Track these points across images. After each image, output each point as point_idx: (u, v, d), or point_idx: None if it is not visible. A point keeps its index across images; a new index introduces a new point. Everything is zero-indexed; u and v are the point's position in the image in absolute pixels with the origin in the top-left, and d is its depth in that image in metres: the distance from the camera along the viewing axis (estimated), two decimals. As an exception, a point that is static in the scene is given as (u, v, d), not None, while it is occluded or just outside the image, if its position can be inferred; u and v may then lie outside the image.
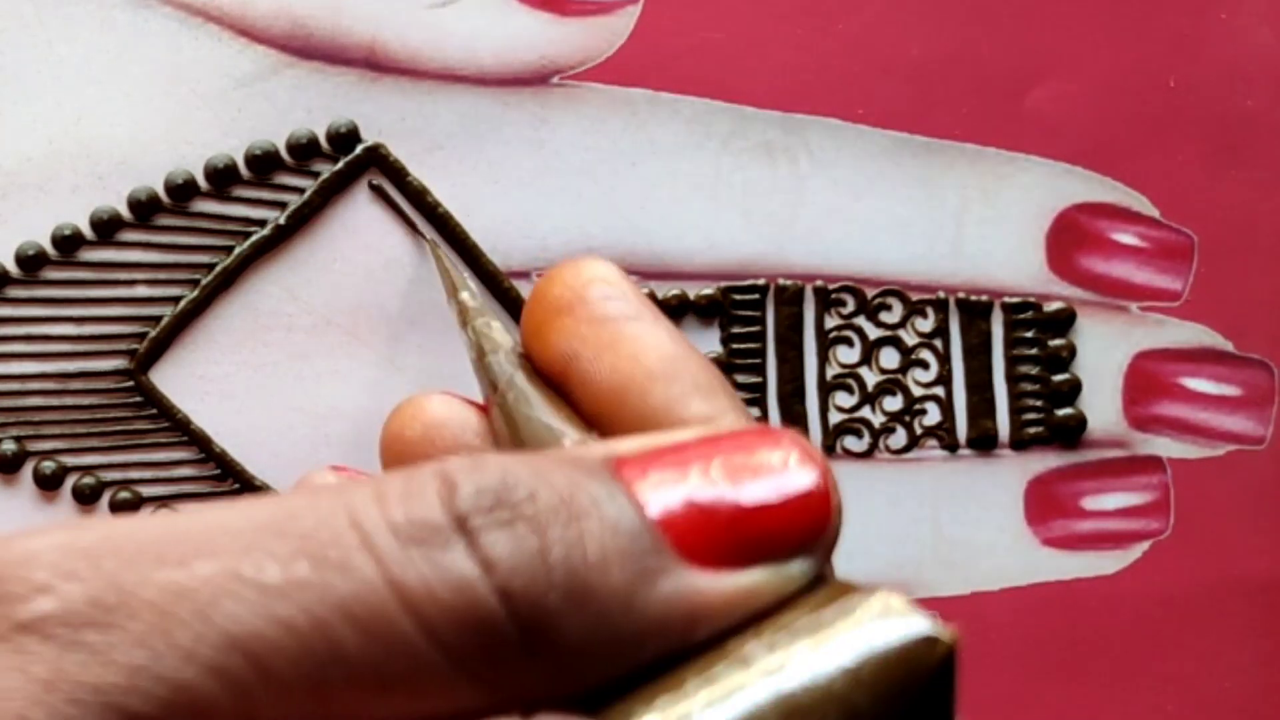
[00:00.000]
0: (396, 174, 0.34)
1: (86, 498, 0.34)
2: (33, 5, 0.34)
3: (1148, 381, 0.37)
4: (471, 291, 0.29)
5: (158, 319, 0.34)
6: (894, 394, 0.37)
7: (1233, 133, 0.37)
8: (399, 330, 0.35)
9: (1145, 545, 0.37)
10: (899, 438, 0.37)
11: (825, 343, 0.36)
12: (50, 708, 0.15)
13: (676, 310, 0.36)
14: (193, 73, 0.34)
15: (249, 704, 0.16)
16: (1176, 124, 0.37)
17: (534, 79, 0.35)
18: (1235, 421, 0.38)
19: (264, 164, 0.34)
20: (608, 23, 0.35)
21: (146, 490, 0.34)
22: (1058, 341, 0.37)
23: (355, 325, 0.34)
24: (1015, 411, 0.37)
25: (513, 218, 0.35)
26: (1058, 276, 0.37)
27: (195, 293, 0.34)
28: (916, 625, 0.17)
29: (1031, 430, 0.37)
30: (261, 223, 0.34)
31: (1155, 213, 0.37)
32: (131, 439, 0.34)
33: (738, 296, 0.36)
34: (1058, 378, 0.37)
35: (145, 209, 0.34)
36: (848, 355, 0.36)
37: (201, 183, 0.34)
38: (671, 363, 0.22)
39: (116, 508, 0.34)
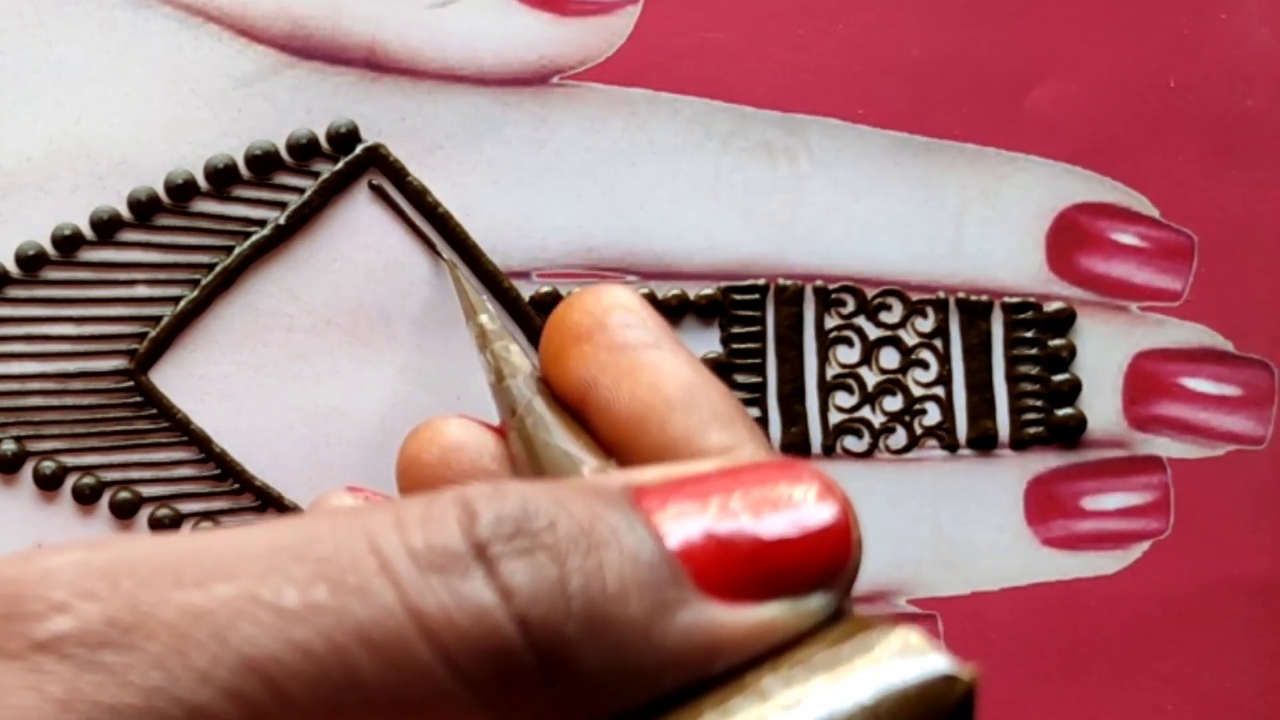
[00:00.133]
0: (396, 174, 0.34)
1: (86, 498, 0.34)
2: (33, 5, 0.34)
3: (1148, 381, 0.37)
4: (490, 314, 0.29)
5: (158, 319, 0.34)
6: (894, 394, 0.37)
7: (1233, 133, 0.37)
8: (399, 330, 0.35)
9: (1145, 545, 0.37)
10: (899, 438, 0.37)
11: (825, 343, 0.36)
12: None
13: (676, 310, 0.36)
14: (193, 73, 0.34)
15: None
16: (1176, 124, 0.37)
17: (534, 79, 0.35)
18: (1235, 421, 0.38)
19: (264, 164, 0.34)
20: (608, 23, 0.35)
21: (146, 490, 0.34)
22: (1058, 341, 0.37)
23: (355, 325, 0.34)
24: (1015, 411, 0.37)
25: (513, 218, 0.35)
26: (1058, 276, 0.37)
27: (195, 293, 0.34)
28: (936, 664, 0.17)
29: (1031, 430, 0.37)
30: (261, 223, 0.34)
31: (1155, 213, 0.37)
32: (131, 439, 0.34)
33: (738, 296, 0.36)
34: (1058, 378, 0.37)
35: (145, 209, 0.34)
36: (848, 355, 0.36)
37: (201, 183, 0.34)
38: (690, 392, 0.22)
39: (116, 508, 0.34)
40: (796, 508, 0.18)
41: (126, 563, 0.16)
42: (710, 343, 0.36)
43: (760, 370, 0.36)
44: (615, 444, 0.23)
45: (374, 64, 0.35)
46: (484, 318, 0.28)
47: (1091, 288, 0.37)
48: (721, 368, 0.36)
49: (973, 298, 0.37)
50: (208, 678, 0.15)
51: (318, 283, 0.34)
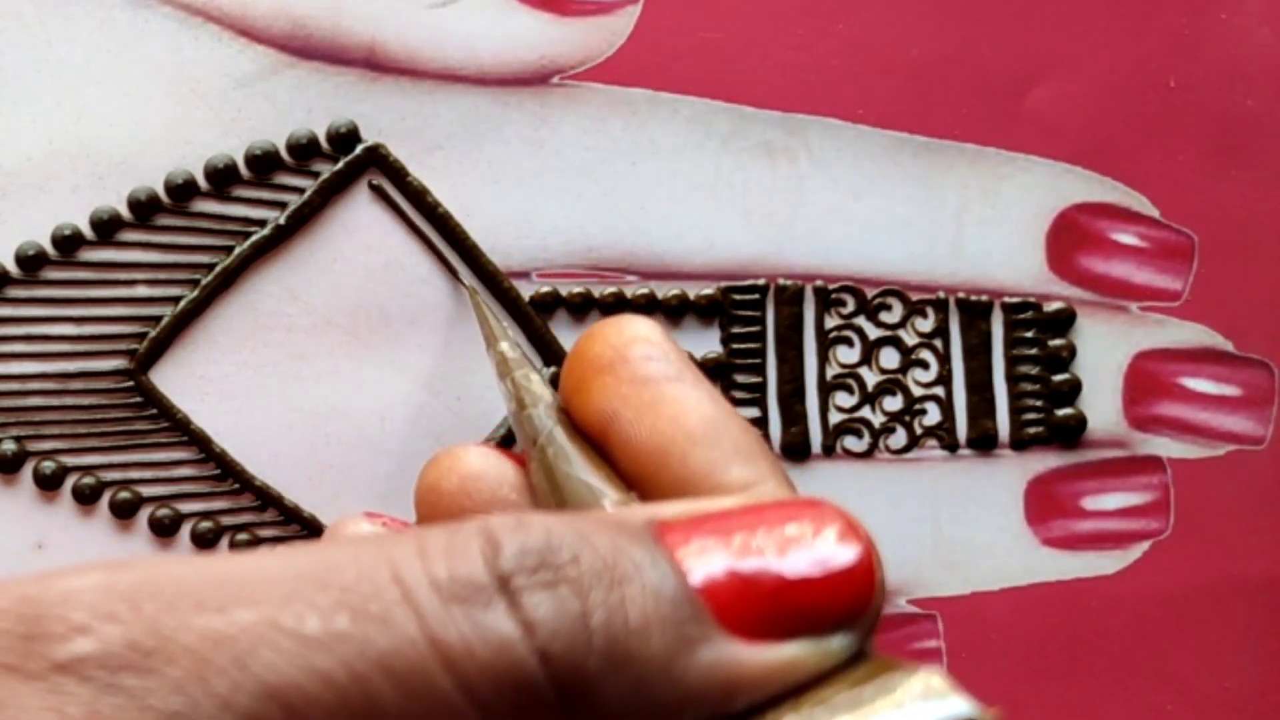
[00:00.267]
0: (396, 174, 0.34)
1: (86, 498, 0.34)
2: (33, 5, 0.34)
3: (1148, 381, 0.37)
4: (512, 342, 0.29)
5: (158, 319, 0.34)
6: (894, 394, 0.37)
7: (1233, 133, 0.37)
8: (399, 330, 0.35)
9: (1145, 545, 0.37)
10: (899, 438, 0.37)
11: (825, 343, 0.36)
12: None
13: (676, 310, 0.36)
14: (193, 73, 0.34)
15: None
16: (1176, 124, 0.37)
17: (534, 79, 0.35)
18: (1235, 421, 0.38)
19: (264, 164, 0.34)
20: (608, 23, 0.35)
21: (146, 490, 0.34)
22: (1058, 341, 0.37)
23: (355, 325, 0.34)
24: (1015, 411, 0.37)
25: (513, 218, 0.35)
26: (1058, 276, 0.37)
27: (195, 293, 0.34)
28: (957, 707, 0.17)
29: (1031, 430, 0.37)
30: (261, 223, 0.34)
31: (1155, 213, 0.37)
32: (131, 439, 0.34)
33: (738, 296, 0.36)
34: (1058, 378, 0.37)
35: (145, 209, 0.34)
36: (848, 355, 0.36)
37: (201, 183, 0.34)
38: (712, 426, 0.22)
39: (116, 508, 0.34)
40: (820, 547, 0.18)
41: (148, 585, 0.16)
42: (710, 343, 0.36)
43: (760, 370, 0.36)
44: (636, 477, 0.23)
45: (374, 64, 0.35)
46: (504, 345, 0.28)
47: (1091, 288, 0.37)
48: (721, 368, 0.36)
49: (973, 298, 0.37)
50: (228, 704, 0.15)
51: (318, 283, 0.34)
